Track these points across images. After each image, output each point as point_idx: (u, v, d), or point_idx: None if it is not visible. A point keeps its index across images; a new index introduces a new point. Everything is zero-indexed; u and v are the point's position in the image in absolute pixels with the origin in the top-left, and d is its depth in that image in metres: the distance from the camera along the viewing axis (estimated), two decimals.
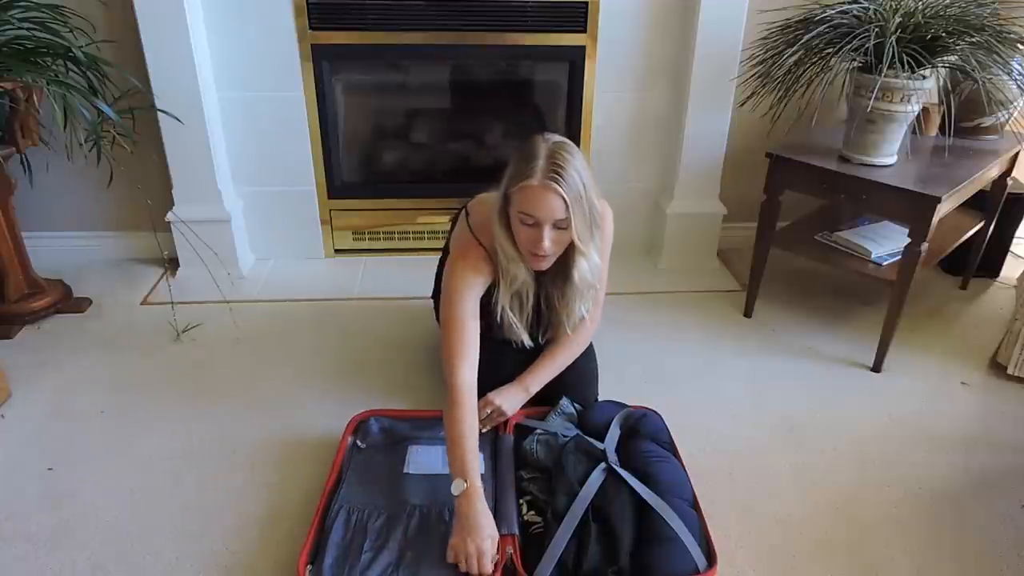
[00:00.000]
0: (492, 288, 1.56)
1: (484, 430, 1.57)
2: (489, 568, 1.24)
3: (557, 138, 1.42)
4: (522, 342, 1.62)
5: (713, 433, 1.74)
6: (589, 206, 1.41)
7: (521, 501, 1.43)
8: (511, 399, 1.61)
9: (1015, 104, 2.11)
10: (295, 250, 2.54)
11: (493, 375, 1.61)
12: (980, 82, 1.76)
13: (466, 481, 1.31)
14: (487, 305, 1.56)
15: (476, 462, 1.35)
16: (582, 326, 1.67)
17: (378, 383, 1.90)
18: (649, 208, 2.58)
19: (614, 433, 1.54)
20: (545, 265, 1.47)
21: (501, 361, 1.66)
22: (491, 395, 1.60)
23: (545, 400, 1.66)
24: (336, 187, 2.46)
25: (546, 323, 1.66)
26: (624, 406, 1.64)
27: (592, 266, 1.51)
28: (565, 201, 1.36)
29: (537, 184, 1.35)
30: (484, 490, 1.33)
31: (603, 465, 1.43)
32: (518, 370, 1.68)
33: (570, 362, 1.70)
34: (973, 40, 1.75)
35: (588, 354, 1.78)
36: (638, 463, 1.45)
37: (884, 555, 1.43)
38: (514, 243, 1.47)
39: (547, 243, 1.40)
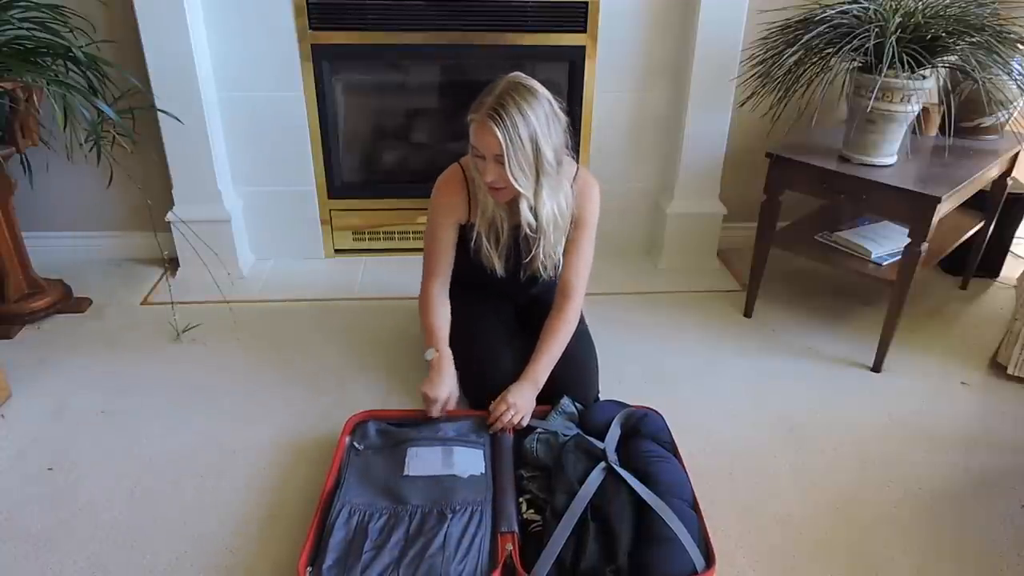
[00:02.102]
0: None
1: (491, 430, 1.58)
2: (434, 412, 1.59)
3: (521, 79, 1.51)
4: (495, 271, 1.70)
5: (713, 433, 1.74)
6: (535, 150, 1.48)
7: (521, 499, 1.43)
8: (524, 394, 1.61)
9: (1015, 104, 2.11)
10: (295, 250, 2.54)
11: (488, 333, 1.77)
12: (980, 82, 1.76)
13: (437, 350, 1.64)
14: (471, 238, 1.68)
15: (446, 341, 1.68)
16: (567, 304, 1.71)
17: (378, 383, 1.90)
18: (649, 208, 2.57)
19: (614, 432, 1.54)
20: (501, 197, 1.57)
21: (495, 320, 1.83)
22: (506, 395, 1.60)
23: (546, 399, 1.66)
24: (336, 187, 2.46)
25: (526, 263, 1.71)
26: (625, 406, 1.64)
27: (544, 211, 1.57)
28: (499, 139, 1.44)
29: (478, 118, 1.47)
30: (484, 489, 1.41)
31: (603, 464, 1.43)
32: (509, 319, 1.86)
33: (566, 343, 1.70)
34: (973, 40, 1.75)
35: (587, 350, 1.79)
36: (638, 463, 1.45)
37: (884, 555, 1.43)
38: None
39: (489, 176, 1.50)
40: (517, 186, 1.50)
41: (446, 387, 1.61)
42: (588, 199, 1.69)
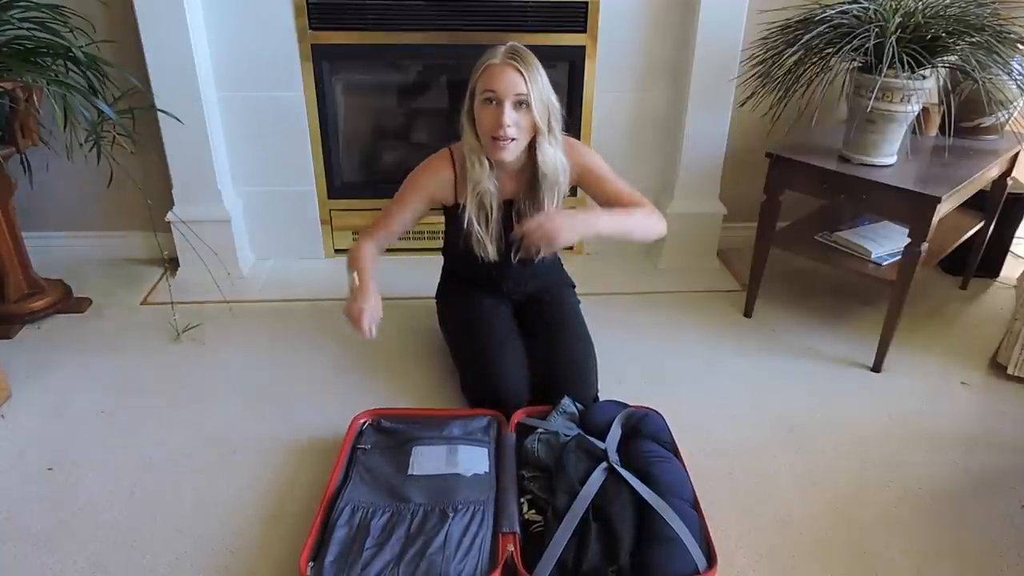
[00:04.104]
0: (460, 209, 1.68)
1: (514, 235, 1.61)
2: (364, 323, 1.56)
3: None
4: (487, 256, 1.70)
5: (713, 433, 1.74)
6: (548, 100, 1.55)
7: (522, 500, 1.43)
8: (567, 212, 1.60)
9: (1015, 104, 2.11)
10: (295, 250, 2.54)
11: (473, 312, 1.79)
12: (980, 82, 1.76)
13: (360, 276, 1.62)
14: (460, 226, 1.68)
15: (369, 269, 1.66)
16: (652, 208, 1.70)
17: (379, 383, 1.90)
18: None
19: (615, 433, 1.53)
20: (508, 154, 1.56)
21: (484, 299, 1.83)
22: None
23: (546, 399, 1.66)
24: (336, 187, 2.46)
25: (519, 242, 1.68)
26: (625, 406, 1.64)
27: (559, 159, 1.61)
28: (524, 77, 1.49)
29: (498, 62, 1.51)
30: (487, 488, 1.42)
31: (604, 464, 1.43)
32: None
33: (643, 223, 1.65)
34: (973, 40, 1.75)
35: (587, 350, 1.79)
36: (639, 463, 1.45)
37: (884, 555, 1.43)
38: (477, 136, 1.58)
39: (507, 117, 1.50)
40: (541, 123, 1.53)
41: (370, 299, 1.60)
42: (582, 153, 1.71)
